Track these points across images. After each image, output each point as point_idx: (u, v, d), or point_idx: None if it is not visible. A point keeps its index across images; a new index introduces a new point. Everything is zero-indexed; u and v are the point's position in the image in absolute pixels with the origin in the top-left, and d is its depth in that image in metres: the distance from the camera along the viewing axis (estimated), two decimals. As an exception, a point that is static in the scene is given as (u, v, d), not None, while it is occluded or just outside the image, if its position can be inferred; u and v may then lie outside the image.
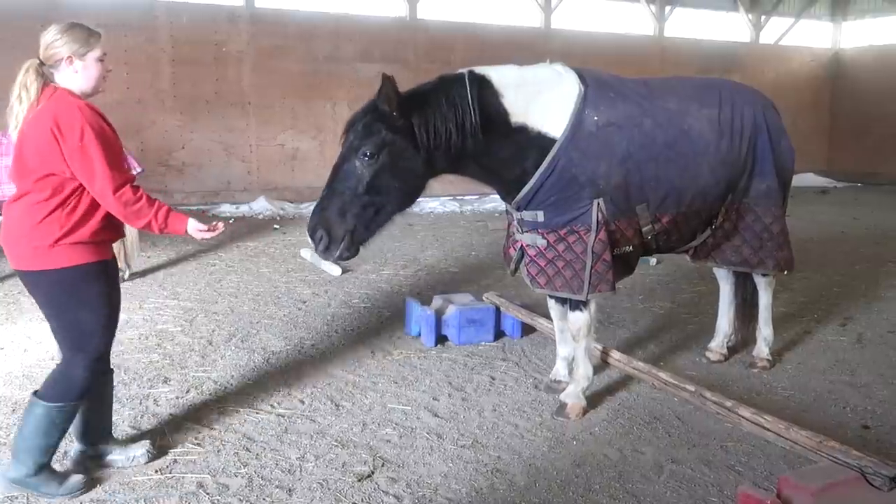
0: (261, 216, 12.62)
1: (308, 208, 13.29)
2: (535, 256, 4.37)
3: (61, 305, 3.42)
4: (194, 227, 3.56)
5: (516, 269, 4.62)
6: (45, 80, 3.40)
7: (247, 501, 3.50)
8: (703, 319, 6.40)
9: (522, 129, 4.11)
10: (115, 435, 3.98)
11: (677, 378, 4.65)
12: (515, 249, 4.57)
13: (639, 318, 6.57)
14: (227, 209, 13.14)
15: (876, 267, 8.79)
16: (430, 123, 3.93)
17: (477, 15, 16.12)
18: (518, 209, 4.33)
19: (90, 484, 3.60)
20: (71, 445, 3.85)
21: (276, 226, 11.60)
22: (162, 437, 4.12)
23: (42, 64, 3.40)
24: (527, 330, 5.95)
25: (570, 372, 4.80)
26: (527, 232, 4.38)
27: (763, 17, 19.82)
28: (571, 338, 4.62)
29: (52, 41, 3.38)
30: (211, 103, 13.54)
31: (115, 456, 3.80)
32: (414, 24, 15.39)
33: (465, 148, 4.04)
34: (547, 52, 15.61)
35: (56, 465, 3.66)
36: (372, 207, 3.96)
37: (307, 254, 8.78)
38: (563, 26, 16.95)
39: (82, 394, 3.51)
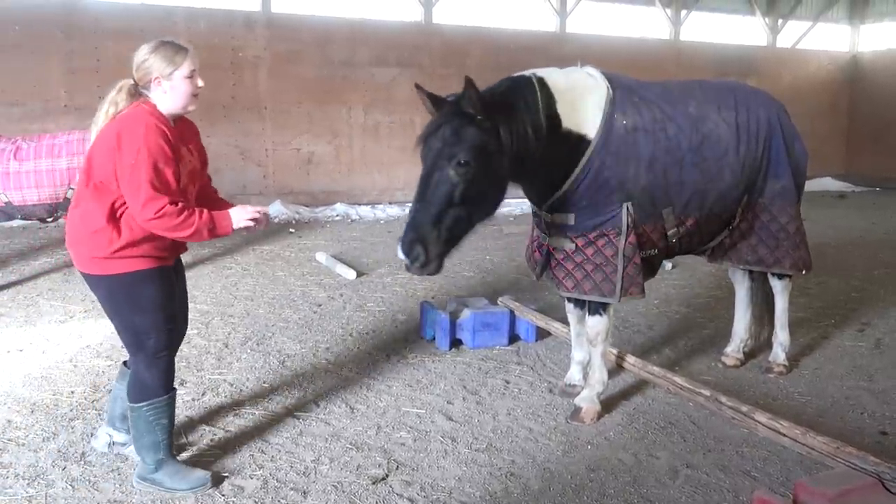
0: (276, 220, 12.68)
1: (323, 212, 13.37)
2: (562, 260, 4.36)
3: (118, 308, 3.53)
4: (239, 219, 3.53)
5: (542, 272, 4.60)
6: (137, 97, 3.46)
7: (262, 503, 3.52)
8: (719, 324, 6.36)
9: (569, 134, 4.10)
10: None
11: (692, 383, 4.64)
12: (542, 253, 4.54)
13: (654, 323, 6.55)
14: (243, 213, 13.20)
15: (895, 272, 8.71)
16: (515, 124, 3.85)
17: (492, 19, 16.11)
18: (550, 211, 4.32)
19: (217, 479, 3.69)
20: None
21: (291, 230, 11.65)
22: (178, 439, 4.15)
23: (136, 84, 3.47)
24: (541, 334, 5.95)
25: (585, 376, 4.78)
26: (554, 235, 4.38)
27: (780, 21, 19.69)
28: (588, 342, 4.61)
29: (141, 62, 3.44)
30: (227, 108, 13.61)
31: (130, 449, 3.87)
32: (429, 29, 15.41)
33: (531, 153, 3.97)
34: (562, 56, 15.65)
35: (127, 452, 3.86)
36: (465, 218, 3.79)
37: (322, 257, 8.82)
38: (578, 30, 16.91)
39: (160, 390, 3.61)
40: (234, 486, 3.67)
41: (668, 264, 8.37)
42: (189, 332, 6.04)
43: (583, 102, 4.18)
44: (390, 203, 14.17)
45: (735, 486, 3.72)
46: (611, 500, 3.60)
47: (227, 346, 5.76)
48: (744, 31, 19.49)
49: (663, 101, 4.44)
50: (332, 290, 7.54)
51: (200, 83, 3.52)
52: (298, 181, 14.22)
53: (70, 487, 3.63)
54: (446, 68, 14.57)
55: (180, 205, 3.34)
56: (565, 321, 5.75)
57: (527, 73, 4.15)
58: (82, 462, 3.88)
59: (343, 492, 3.63)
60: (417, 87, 3.90)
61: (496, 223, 12.57)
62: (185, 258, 8.89)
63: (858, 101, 20.61)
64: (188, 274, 8.16)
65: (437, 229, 3.71)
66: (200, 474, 3.67)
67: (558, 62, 4.60)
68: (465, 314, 5.78)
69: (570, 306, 4.86)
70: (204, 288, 7.58)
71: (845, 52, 20.89)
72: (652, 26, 18.20)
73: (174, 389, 3.71)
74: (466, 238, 3.94)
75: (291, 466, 3.88)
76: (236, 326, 6.28)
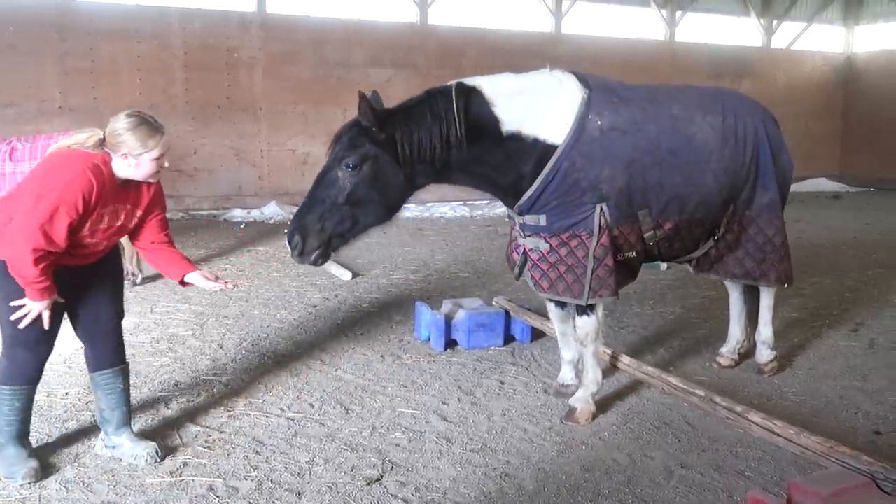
0: (272, 221, 12.67)
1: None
2: (537, 261, 4.37)
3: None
4: (38, 306, 3.52)
5: (520, 273, 4.63)
6: (101, 148, 3.53)
7: (256, 504, 3.52)
8: (713, 324, 6.37)
9: (515, 136, 4.13)
10: (133, 432, 4.02)
11: (687, 383, 4.65)
12: (518, 254, 4.58)
13: (648, 323, 6.56)
14: (238, 214, 13.20)
15: (888, 272, 8.74)
16: (413, 137, 4.00)
17: (487, 20, 16.13)
18: (520, 213, 4.34)
19: (35, 476, 3.65)
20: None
21: (286, 230, 11.63)
22: (172, 440, 4.14)
23: (104, 140, 3.52)
24: (536, 334, 5.95)
25: (578, 374, 4.79)
26: (529, 236, 4.38)
27: (775, 22, 19.75)
28: (579, 343, 4.61)
29: (115, 132, 3.49)
30: (223, 108, 13.61)
31: (122, 451, 3.88)
32: (424, 30, 15.43)
33: (450, 159, 4.10)
34: (557, 56, 15.69)
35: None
36: (350, 218, 4.07)
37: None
38: (573, 31, 16.94)
39: (7, 378, 3.65)
40: (228, 487, 3.67)
41: (663, 265, 8.38)
42: (184, 333, 6.06)
43: (540, 105, 4.20)
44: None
45: (729, 486, 3.72)
46: (605, 500, 3.60)
47: (221, 347, 5.76)
48: (739, 32, 19.55)
49: (645, 101, 4.43)
50: (327, 291, 7.54)
51: (166, 164, 3.63)
52: (294, 182, 14.20)
53: (64, 489, 3.62)
54: (442, 69, 14.58)
55: (41, 266, 3.37)
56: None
57: (452, 82, 4.21)
58: (76, 464, 3.87)
59: (338, 493, 3.63)
60: (361, 94, 3.94)
61: (492, 224, 12.59)
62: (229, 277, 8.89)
63: (853, 102, 20.68)
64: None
65: (320, 224, 4.02)
66: (25, 471, 3.64)
67: (554, 63, 4.61)
68: (460, 315, 5.78)
69: (551, 306, 4.85)
70: (199, 289, 7.53)
71: (840, 52, 20.97)
72: (647, 27, 18.24)
73: (24, 385, 3.68)
74: (357, 237, 4.21)
75: (286, 467, 3.87)
76: (231, 327, 6.28)
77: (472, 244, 10.53)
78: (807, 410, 4.70)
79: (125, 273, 7.58)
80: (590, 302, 4.30)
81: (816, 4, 20.23)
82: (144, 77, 12.83)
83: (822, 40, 20.72)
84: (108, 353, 3.90)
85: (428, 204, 14.38)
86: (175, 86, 13.17)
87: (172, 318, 6.53)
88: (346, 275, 8.08)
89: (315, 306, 6.98)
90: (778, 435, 4.01)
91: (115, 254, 3.96)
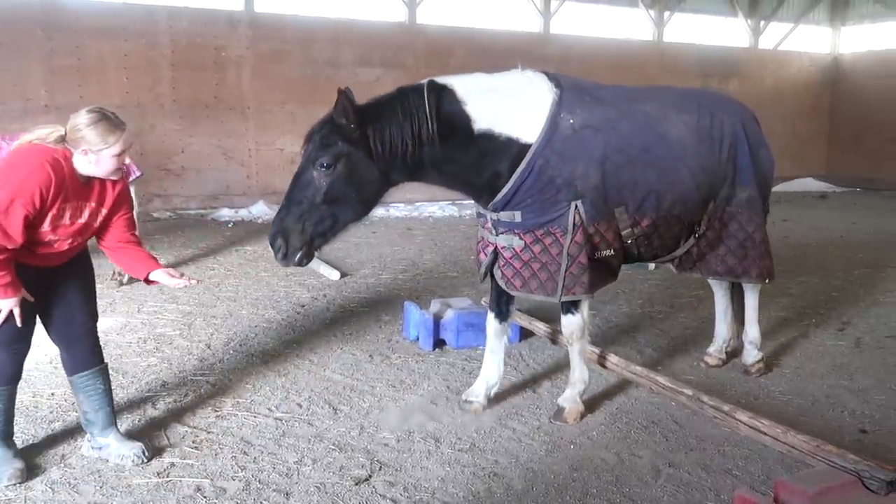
0: (260, 220, 12.62)
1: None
2: (510, 258, 4.35)
3: None
4: (6, 304, 3.49)
5: (486, 273, 4.59)
6: (62, 144, 3.52)
7: (244, 505, 3.50)
8: (701, 324, 6.40)
9: (487, 135, 4.13)
10: (120, 432, 4.00)
11: (675, 382, 4.66)
12: (486, 254, 4.54)
13: (637, 323, 6.58)
14: (226, 213, 13.15)
15: (874, 272, 8.80)
16: (385, 134, 4.00)
17: (476, 20, 16.13)
18: (495, 210, 4.33)
19: (20, 476, 3.64)
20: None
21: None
22: (160, 441, 4.12)
23: (65, 136, 3.51)
24: (525, 334, 5.96)
25: (488, 394, 4.65)
26: (503, 233, 4.36)
27: (762, 23, 19.84)
28: (564, 341, 4.60)
29: (76, 128, 3.49)
30: (210, 108, 13.55)
31: (109, 452, 3.87)
32: (413, 29, 15.41)
33: (423, 156, 4.10)
34: (546, 56, 15.75)
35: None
36: (329, 216, 4.06)
37: (306, 258, 8.78)
38: (562, 31, 16.97)
39: None
40: (216, 487, 3.65)
41: (651, 265, 8.41)
42: (171, 333, 6.03)
43: (511, 103, 4.21)
44: (374, 203, 14.12)
45: (717, 485, 3.74)
46: (593, 499, 3.61)
47: (209, 348, 5.73)
48: (726, 33, 19.64)
49: (618, 100, 4.45)
50: (315, 291, 7.52)
51: (127, 161, 3.62)
52: (282, 181, 14.00)
53: (50, 490, 3.60)
54: (430, 68, 14.53)
55: (5, 256, 3.37)
56: (548, 321, 5.78)
57: (423, 80, 4.20)
58: (62, 465, 3.84)
59: (326, 493, 3.62)
60: (340, 91, 3.92)
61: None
62: (168, 258, 8.88)
63: (839, 103, 20.82)
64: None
65: (300, 224, 4.01)
66: (11, 472, 3.63)
67: (542, 62, 4.62)
68: (449, 314, 5.78)
69: (490, 317, 4.71)
70: (186, 289, 7.51)
71: (826, 53, 21.10)
72: (635, 27, 18.29)
73: (3, 386, 3.66)
74: (339, 234, 4.19)
75: (274, 468, 3.86)
76: (219, 327, 6.25)
77: (460, 244, 10.53)
78: (794, 409, 4.72)
79: (111, 273, 7.55)
80: (563, 299, 4.29)
81: (803, 5, 20.36)
82: (131, 76, 12.76)
83: (808, 41, 20.85)
84: (84, 355, 3.88)
85: (416, 204, 14.37)
86: (162, 84, 13.10)
87: (160, 317, 6.49)
88: (335, 274, 8.06)
89: (303, 306, 6.96)
90: (765, 434, 4.03)
91: (85, 255, 3.92)
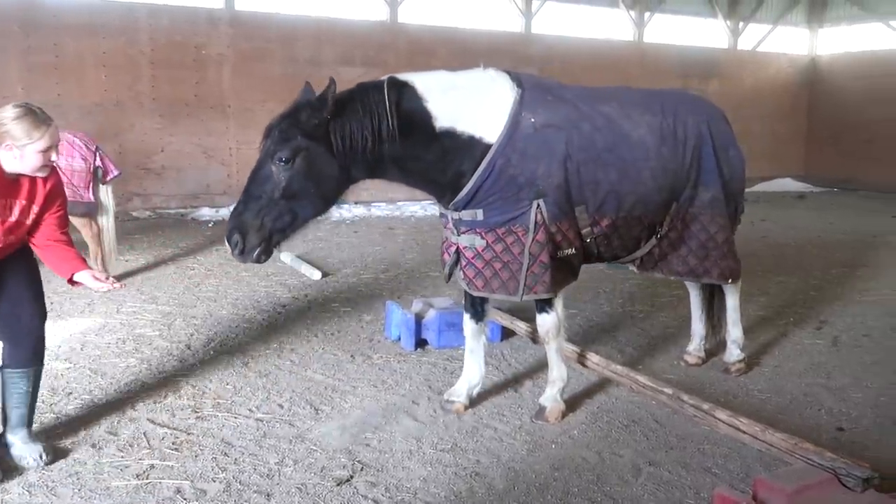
0: (241, 220, 12.54)
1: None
2: (472, 258, 4.34)
3: None
4: None
5: (450, 274, 4.59)
6: None
7: (225, 506, 3.49)
8: (682, 323, 6.44)
9: (449, 133, 4.14)
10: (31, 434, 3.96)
11: (655, 381, 4.68)
12: (450, 255, 4.54)
13: (618, 322, 6.61)
14: (206, 213, 13.07)
15: (851, 271, 8.90)
16: (346, 129, 3.97)
17: (458, 20, 16.15)
18: (457, 209, 4.32)
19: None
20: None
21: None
22: (139, 443, 4.09)
23: None
24: (506, 334, 5.97)
25: (470, 399, 4.67)
26: (464, 233, 4.35)
27: (741, 24, 20.01)
28: (541, 340, 4.62)
29: (0, 122, 3.44)
30: (191, 106, 13.46)
31: (11, 450, 3.86)
32: (395, 28, 15.40)
33: (383, 153, 4.09)
34: (528, 56, 15.79)
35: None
36: (288, 212, 4.00)
37: (287, 257, 8.76)
38: (543, 31, 17.02)
39: None
40: (196, 489, 3.63)
41: (632, 265, 8.44)
42: (151, 333, 5.99)
43: (472, 102, 4.22)
44: (356, 203, 14.11)
45: (696, 483, 3.77)
46: (575, 498, 3.63)
47: (189, 348, 5.69)
48: (706, 34, 19.78)
49: (580, 100, 4.46)
50: (296, 291, 7.49)
51: (54, 157, 3.55)
52: (263, 180, 14.08)
53: (27, 493, 3.56)
54: (412, 68, 14.36)
55: None
56: (530, 321, 5.79)
57: (384, 77, 4.20)
58: (39, 467, 3.80)
59: (307, 494, 3.61)
60: (331, 79, 3.91)
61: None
62: (147, 258, 8.81)
63: (817, 103, 21.04)
64: (150, 274, 8.09)
65: (258, 220, 3.95)
66: None
67: (524, 62, 4.67)
68: (431, 314, 5.78)
69: (466, 317, 4.72)
70: (166, 289, 7.48)
71: (804, 54, 21.31)
72: (616, 28, 18.38)
73: None
74: (297, 230, 4.14)
75: (255, 469, 3.84)
76: (199, 328, 6.21)
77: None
78: (772, 408, 4.77)
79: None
80: (524, 298, 4.29)
81: (781, 7, 20.54)
82: (110, 73, 12.64)
83: (787, 42, 21.05)
84: (25, 353, 3.84)
85: (398, 203, 14.35)
86: (142, 83, 12.99)
87: (139, 318, 6.44)
88: (316, 274, 8.04)
89: (284, 306, 6.93)
90: (744, 432, 4.06)
91: (24, 252, 3.86)
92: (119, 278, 7.50)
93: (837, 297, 7.63)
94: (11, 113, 3.45)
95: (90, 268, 3.87)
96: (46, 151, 3.51)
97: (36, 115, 3.49)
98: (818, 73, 21.06)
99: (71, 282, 3.84)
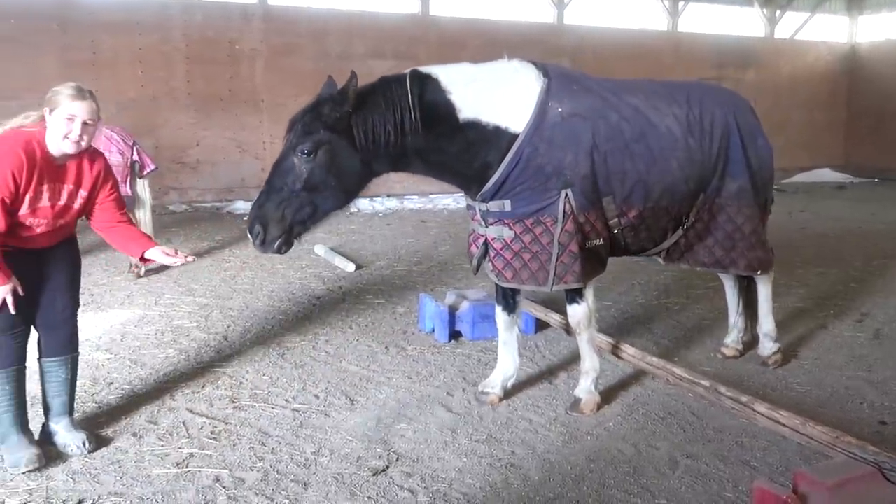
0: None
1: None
2: (501, 250, 4.32)
3: None
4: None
5: (478, 266, 4.56)
6: (42, 121, 3.66)
7: (262, 495, 3.52)
8: (718, 315, 6.36)
9: (474, 124, 4.12)
10: (73, 422, 4.04)
11: (692, 373, 4.64)
12: (478, 246, 4.50)
13: (653, 314, 6.55)
14: (241, 206, 13.19)
15: (893, 262, 8.72)
16: (368, 122, 3.98)
17: (489, 11, 16.07)
18: (484, 200, 4.30)
19: (38, 461, 3.71)
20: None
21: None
22: (178, 432, 4.15)
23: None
24: (541, 326, 5.95)
25: (504, 387, 4.67)
26: (492, 224, 4.33)
27: (778, 12, 19.66)
28: (573, 331, 4.59)
29: (54, 90, 3.65)
30: (224, 101, 13.60)
31: (56, 438, 3.94)
32: (426, 21, 15.38)
33: (406, 146, 4.08)
34: (560, 47, 15.67)
35: None
36: (309, 204, 4.02)
37: (321, 250, 8.82)
38: (575, 22, 16.88)
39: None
40: (234, 478, 3.68)
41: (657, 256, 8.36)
42: (188, 325, 6.07)
43: (497, 93, 4.20)
44: (388, 196, 14.16)
45: (735, 476, 3.72)
46: (610, 490, 3.61)
47: (226, 339, 5.76)
48: (742, 23, 19.46)
49: (607, 91, 4.42)
50: (331, 283, 7.54)
51: (76, 133, 3.60)
52: (296, 174, 14.18)
53: (71, 480, 3.64)
54: (443, 60, 14.40)
55: None
56: (564, 313, 5.77)
57: (407, 70, 4.19)
58: (83, 455, 3.87)
59: (344, 483, 3.64)
60: (352, 72, 3.92)
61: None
62: (184, 250, 8.90)
63: (857, 92, 20.60)
64: (187, 267, 8.16)
65: (279, 212, 3.97)
66: (28, 457, 3.69)
67: (556, 53, 4.63)
68: (464, 306, 5.78)
69: (498, 310, 4.71)
70: (203, 281, 7.57)
71: (843, 42, 20.87)
72: (650, 17, 18.17)
73: (8, 368, 3.71)
74: (318, 223, 4.14)
75: (292, 458, 3.88)
76: (236, 319, 6.28)
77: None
78: (812, 401, 4.69)
79: (129, 266, 7.60)
80: (554, 289, 4.27)
81: (819, -6, 20.16)
82: (146, 69, 12.82)
83: (825, 30, 20.63)
84: (60, 341, 3.93)
85: (431, 196, 14.37)
86: (177, 78, 13.16)
87: (177, 310, 6.53)
88: (350, 266, 8.08)
89: (319, 298, 6.98)
90: (783, 425, 4.01)
91: (71, 243, 3.98)
92: (156, 271, 7.63)
93: (879, 288, 7.48)
94: (66, 84, 3.63)
95: (157, 244, 3.99)
96: (71, 120, 3.58)
97: (80, 89, 3.63)
98: (858, 61, 20.61)
99: (142, 259, 3.99)
